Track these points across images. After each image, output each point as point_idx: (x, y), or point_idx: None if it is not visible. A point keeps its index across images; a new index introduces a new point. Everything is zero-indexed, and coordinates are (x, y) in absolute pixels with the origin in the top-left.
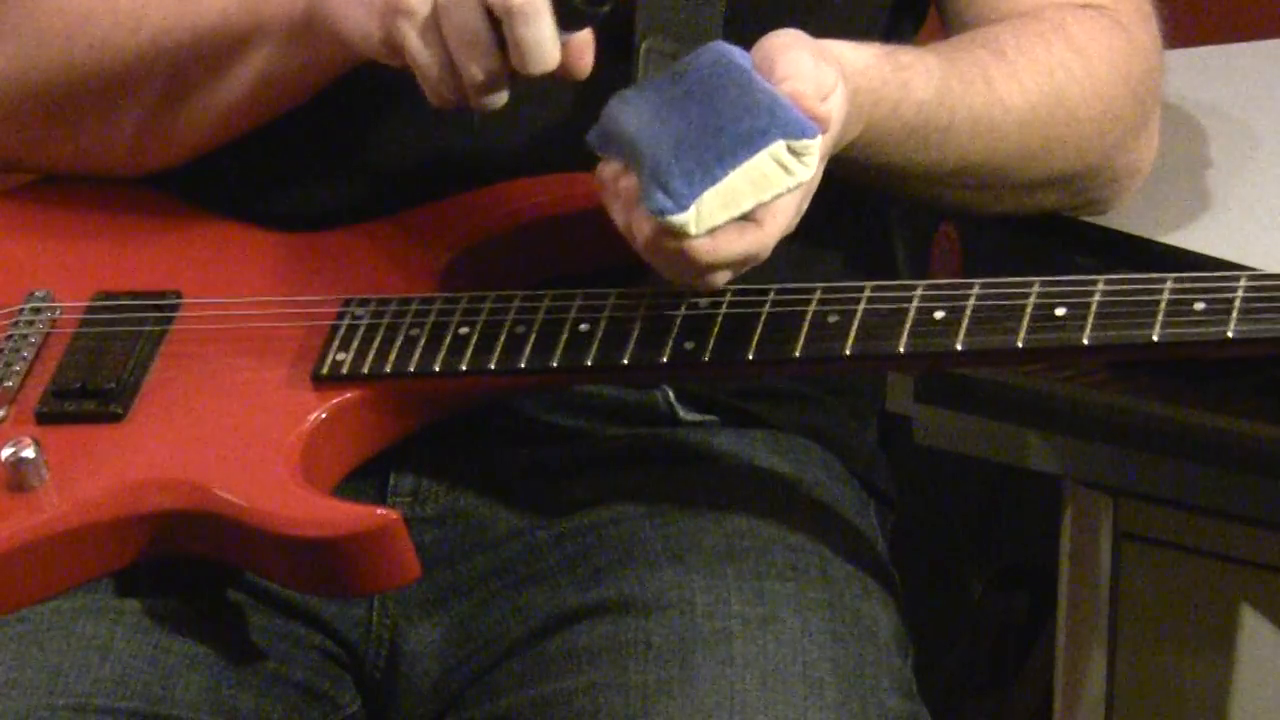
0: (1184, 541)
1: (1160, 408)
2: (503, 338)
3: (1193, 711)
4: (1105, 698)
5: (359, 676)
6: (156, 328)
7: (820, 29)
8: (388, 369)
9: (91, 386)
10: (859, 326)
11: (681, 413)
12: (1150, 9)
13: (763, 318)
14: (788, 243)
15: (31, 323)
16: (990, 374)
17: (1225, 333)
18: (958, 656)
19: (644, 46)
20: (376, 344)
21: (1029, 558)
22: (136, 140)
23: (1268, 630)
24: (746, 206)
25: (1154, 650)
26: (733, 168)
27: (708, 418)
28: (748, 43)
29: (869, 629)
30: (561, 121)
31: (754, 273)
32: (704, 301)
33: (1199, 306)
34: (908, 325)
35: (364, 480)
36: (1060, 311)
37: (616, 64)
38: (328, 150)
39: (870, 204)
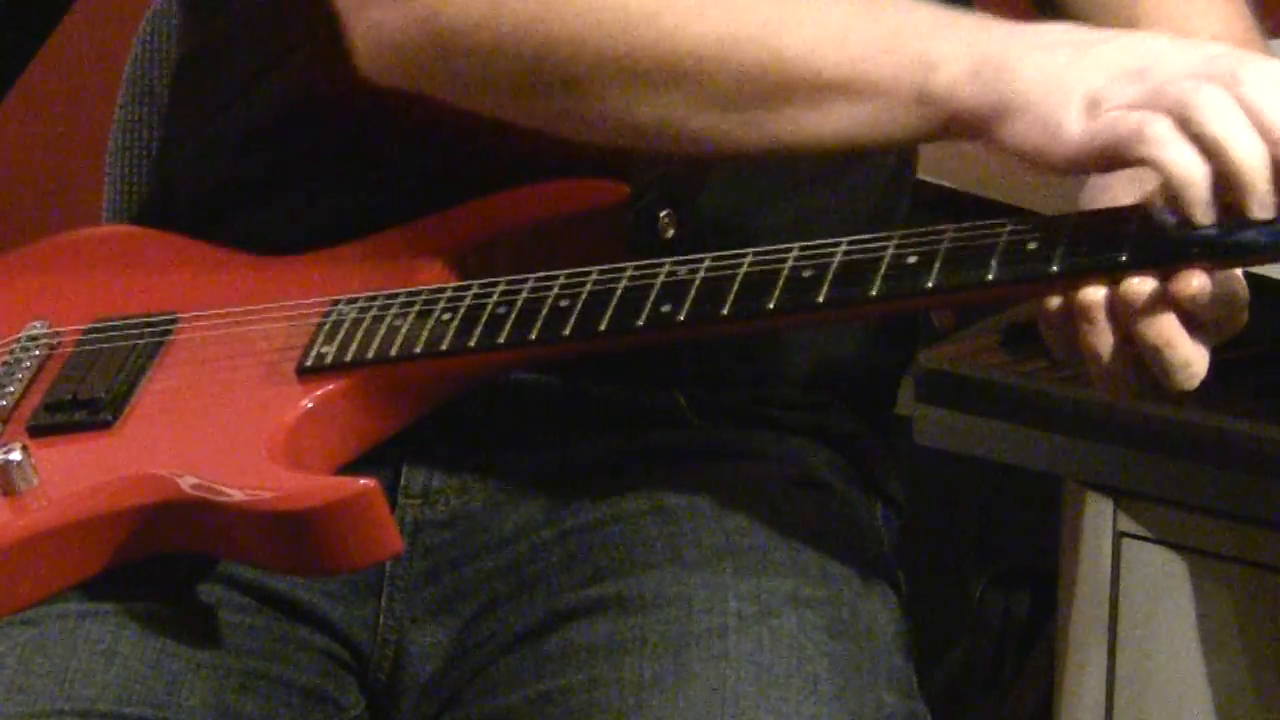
0: (1184, 541)
1: (1160, 408)
2: (484, 318)
3: (1193, 711)
4: (1105, 698)
5: (363, 679)
6: (151, 341)
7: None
8: (370, 355)
9: (81, 397)
10: (833, 277)
11: (694, 419)
12: None
13: (739, 278)
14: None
15: (27, 349)
16: (990, 374)
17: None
18: (958, 656)
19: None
20: (360, 335)
21: (1029, 558)
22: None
23: (1268, 630)
24: None
25: (1154, 650)
26: None
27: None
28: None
29: (868, 627)
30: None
31: None
32: (683, 269)
33: (1033, 247)
34: (880, 272)
35: None
36: (1032, 246)
37: None
38: (317, 178)
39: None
